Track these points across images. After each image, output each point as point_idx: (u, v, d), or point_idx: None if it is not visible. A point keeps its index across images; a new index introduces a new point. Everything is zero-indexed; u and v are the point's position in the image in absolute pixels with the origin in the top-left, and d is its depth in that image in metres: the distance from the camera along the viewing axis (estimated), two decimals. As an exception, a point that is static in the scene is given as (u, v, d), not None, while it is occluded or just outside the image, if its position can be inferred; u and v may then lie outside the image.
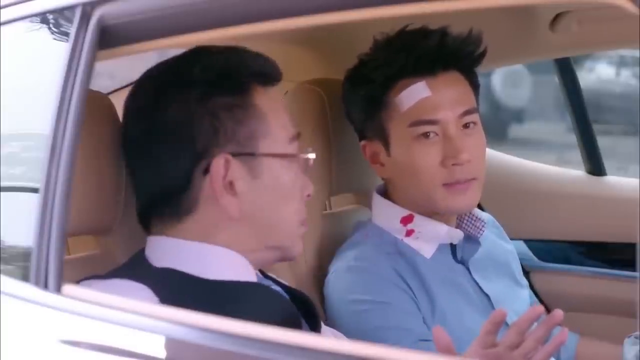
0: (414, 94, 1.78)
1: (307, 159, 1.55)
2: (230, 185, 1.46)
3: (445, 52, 1.79)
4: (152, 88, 1.51)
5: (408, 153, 1.79)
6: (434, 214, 1.83)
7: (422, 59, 1.78)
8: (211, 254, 1.47)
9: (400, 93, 1.79)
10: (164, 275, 1.43)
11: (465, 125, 1.80)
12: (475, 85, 1.86)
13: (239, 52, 1.53)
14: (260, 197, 1.49)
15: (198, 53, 1.52)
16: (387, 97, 1.81)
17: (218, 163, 1.45)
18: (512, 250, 2.04)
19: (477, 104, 1.86)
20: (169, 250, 1.48)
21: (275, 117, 1.51)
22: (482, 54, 1.84)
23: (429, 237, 1.84)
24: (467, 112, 1.80)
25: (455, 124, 1.78)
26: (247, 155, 1.47)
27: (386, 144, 1.83)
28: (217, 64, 1.50)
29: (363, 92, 1.84)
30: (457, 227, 1.87)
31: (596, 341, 2.03)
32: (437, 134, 1.78)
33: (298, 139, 1.54)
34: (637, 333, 1.76)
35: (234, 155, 1.46)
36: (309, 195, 1.55)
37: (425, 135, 1.77)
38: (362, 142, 1.87)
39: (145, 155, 1.50)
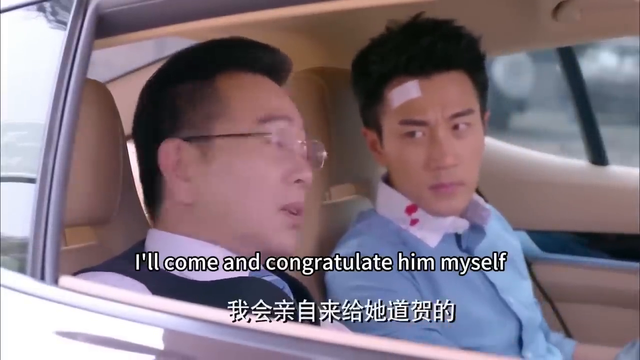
0: (404, 92, 1.80)
1: (299, 143, 1.46)
2: (183, 170, 1.45)
3: (436, 54, 1.79)
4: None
5: (396, 149, 1.83)
6: None
7: (413, 59, 1.80)
8: (194, 250, 1.43)
9: (393, 90, 1.81)
10: (159, 277, 1.40)
11: (456, 127, 1.79)
12: (480, 86, 1.84)
13: (215, 42, 1.53)
14: (213, 182, 1.44)
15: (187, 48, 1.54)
16: (382, 92, 1.83)
17: (166, 149, 1.45)
18: (516, 243, 2.03)
19: (482, 105, 1.85)
20: (160, 247, 1.45)
21: (239, 99, 1.46)
22: (480, 57, 1.84)
23: (433, 227, 1.84)
24: (459, 114, 1.79)
25: (444, 126, 1.78)
26: (200, 138, 1.45)
27: (380, 136, 1.87)
28: (185, 54, 1.53)
29: (362, 82, 1.88)
30: (461, 217, 1.86)
31: (592, 346, 2.03)
32: (424, 135, 1.79)
33: (279, 119, 1.46)
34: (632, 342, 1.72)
35: (188, 139, 1.45)
36: (298, 181, 1.44)
37: (412, 134, 1.80)
38: (363, 129, 1.91)
39: (135, 143, 1.53)
